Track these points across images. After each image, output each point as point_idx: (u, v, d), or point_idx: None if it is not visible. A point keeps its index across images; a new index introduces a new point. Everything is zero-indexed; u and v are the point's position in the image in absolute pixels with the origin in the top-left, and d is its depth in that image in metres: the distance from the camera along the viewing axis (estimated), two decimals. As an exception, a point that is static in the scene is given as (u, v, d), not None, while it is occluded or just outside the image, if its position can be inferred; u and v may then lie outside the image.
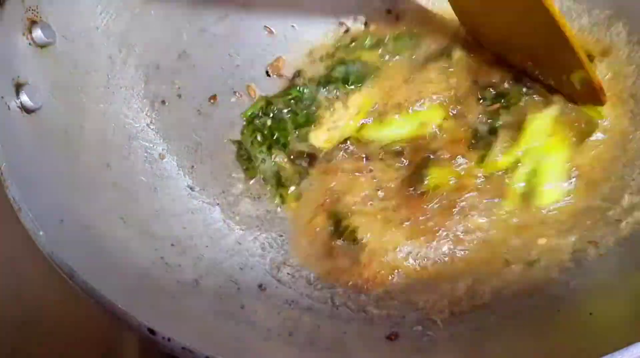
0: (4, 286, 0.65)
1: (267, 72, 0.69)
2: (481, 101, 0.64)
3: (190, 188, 0.61)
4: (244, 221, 0.62)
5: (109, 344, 0.62)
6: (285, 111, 0.67)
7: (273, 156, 0.65)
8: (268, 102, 0.67)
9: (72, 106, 0.54)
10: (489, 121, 0.63)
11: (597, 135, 0.60)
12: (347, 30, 0.71)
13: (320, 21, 0.71)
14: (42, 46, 0.52)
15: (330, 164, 0.64)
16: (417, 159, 0.62)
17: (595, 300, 0.50)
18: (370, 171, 0.63)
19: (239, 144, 0.65)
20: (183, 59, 0.65)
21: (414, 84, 0.67)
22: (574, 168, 0.60)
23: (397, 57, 0.69)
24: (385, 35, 0.70)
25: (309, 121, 0.66)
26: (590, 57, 0.62)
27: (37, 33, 0.51)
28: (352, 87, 0.68)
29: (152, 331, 0.38)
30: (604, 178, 0.60)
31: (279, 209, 0.63)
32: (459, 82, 0.66)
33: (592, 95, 0.59)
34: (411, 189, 0.61)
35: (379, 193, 0.61)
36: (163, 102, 0.63)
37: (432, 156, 0.62)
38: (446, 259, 0.58)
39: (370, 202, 0.61)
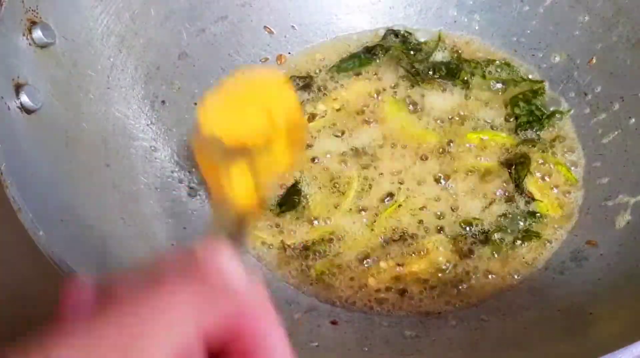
0: (3, 286, 0.65)
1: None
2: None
3: (190, 188, 0.61)
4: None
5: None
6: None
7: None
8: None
9: (72, 106, 0.54)
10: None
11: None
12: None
13: (321, 22, 0.71)
14: (42, 46, 0.52)
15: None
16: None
17: (595, 300, 0.50)
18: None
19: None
20: (183, 59, 0.65)
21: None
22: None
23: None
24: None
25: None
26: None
27: (37, 33, 0.51)
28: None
29: (152, 331, 0.38)
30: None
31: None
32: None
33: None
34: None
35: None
36: (163, 102, 0.63)
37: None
38: (447, 259, 0.58)
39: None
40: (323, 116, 0.66)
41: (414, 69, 0.68)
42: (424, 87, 0.67)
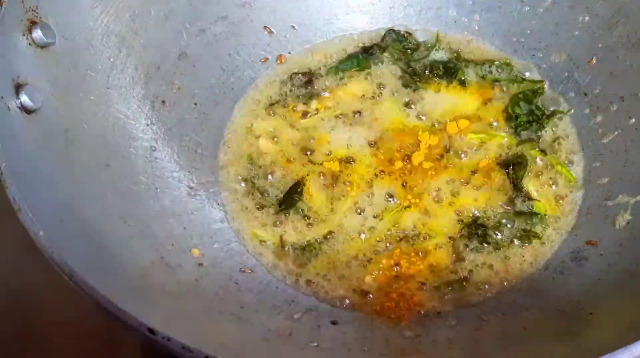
0: (4, 286, 0.65)
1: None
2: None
3: (190, 188, 0.61)
4: (244, 221, 0.62)
5: (109, 344, 0.62)
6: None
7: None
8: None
9: (72, 106, 0.54)
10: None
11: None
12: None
13: (321, 22, 0.71)
14: (42, 46, 0.52)
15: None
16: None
17: (595, 300, 0.50)
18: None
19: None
20: (183, 59, 0.65)
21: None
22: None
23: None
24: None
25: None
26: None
27: (37, 33, 0.51)
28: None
29: (152, 331, 0.38)
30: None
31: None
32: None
33: None
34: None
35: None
36: (163, 102, 0.63)
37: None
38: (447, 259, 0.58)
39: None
40: (315, 114, 0.67)
41: (411, 69, 0.68)
42: (422, 87, 0.67)
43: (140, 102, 0.61)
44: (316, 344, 0.50)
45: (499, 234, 0.59)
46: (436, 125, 0.65)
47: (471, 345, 0.50)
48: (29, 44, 0.51)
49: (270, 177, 0.64)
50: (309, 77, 0.69)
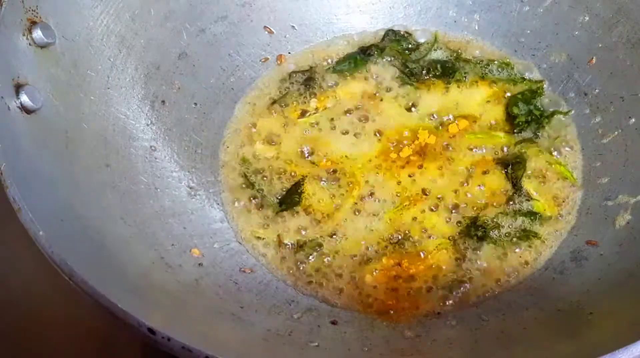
0: (4, 286, 0.65)
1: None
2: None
3: (190, 188, 0.61)
4: (244, 221, 0.62)
5: (109, 344, 0.62)
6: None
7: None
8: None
9: (72, 106, 0.54)
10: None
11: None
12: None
13: (321, 22, 0.71)
14: (42, 46, 0.52)
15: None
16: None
17: (595, 300, 0.50)
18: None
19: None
20: (183, 59, 0.65)
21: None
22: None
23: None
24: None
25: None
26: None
27: (37, 33, 0.51)
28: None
29: (152, 331, 0.38)
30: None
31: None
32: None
33: None
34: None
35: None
36: (163, 102, 0.63)
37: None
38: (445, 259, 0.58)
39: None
40: (314, 113, 0.67)
41: (408, 70, 0.68)
42: (420, 87, 0.67)
43: (140, 102, 0.61)
44: (316, 344, 0.50)
45: (498, 234, 0.59)
46: (435, 124, 0.65)
47: (471, 345, 0.50)
48: (29, 44, 0.51)
49: (270, 177, 0.64)
50: (308, 76, 0.69)
